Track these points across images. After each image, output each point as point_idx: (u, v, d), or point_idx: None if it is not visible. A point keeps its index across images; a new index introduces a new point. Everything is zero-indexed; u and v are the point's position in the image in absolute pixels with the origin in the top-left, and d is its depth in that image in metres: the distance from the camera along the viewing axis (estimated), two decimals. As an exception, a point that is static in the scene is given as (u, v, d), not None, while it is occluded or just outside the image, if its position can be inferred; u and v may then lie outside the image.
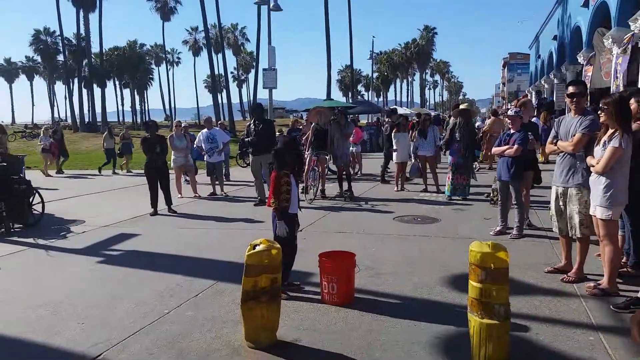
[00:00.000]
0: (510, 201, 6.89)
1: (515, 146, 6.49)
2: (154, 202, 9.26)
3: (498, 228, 6.94)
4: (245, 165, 17.24)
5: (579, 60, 20.47)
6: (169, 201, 9.45)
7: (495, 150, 6.84)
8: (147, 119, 54.54)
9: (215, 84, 47.91)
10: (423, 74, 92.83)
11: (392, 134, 11.62)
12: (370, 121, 37.23)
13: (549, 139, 5.29)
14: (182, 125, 12.07)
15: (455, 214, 8.45)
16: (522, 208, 6.75)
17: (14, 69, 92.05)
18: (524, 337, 3.78)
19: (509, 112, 7.00)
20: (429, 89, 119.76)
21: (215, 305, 4.57)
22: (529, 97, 24.34)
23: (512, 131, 6.70)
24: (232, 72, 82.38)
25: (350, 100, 47.89)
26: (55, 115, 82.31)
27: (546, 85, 30.37)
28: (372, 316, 4.19)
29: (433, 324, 4.02)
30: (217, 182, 11.56)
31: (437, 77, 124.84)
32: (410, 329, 3.94)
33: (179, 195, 11.01)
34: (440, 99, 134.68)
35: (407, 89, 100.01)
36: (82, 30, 46.68)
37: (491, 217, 7.66)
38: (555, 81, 26.37)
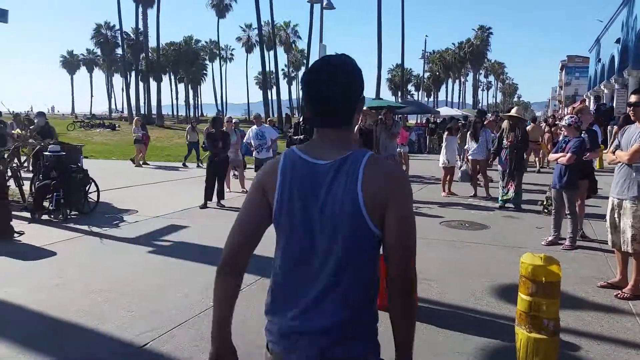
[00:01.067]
0: (563, 210, 6.65)
1: (569, 154, 6.26)
2: (209, 196, 9.51)
3: (550, 238, 6.71)
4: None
5: (644, 65, 19.52)
6: (221, 195, 9.69)
7: (551, 157, 6.63)
8: (198, 114, 55.61)
9: (266, 81, 48.56)
10: (476, 75, 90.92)
11: (444, 137, 11.46)
12: (419, 122, 36.80)
13: (611, 148, 5.08)
14: (233, 121, 12.29)
15: (505, 222, 8.23)
16: (575, 218, 6.50)
17: (76, 61, 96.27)
18: (573, 355, 3.65)
19: (564, 122, 6.75)
20: (482, 90, 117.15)
21: (261, 300, 4.60)
22: (586, 103, 23.44)
23: (569, 137, 6.47)
24: (282, 69, 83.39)
25: (400, 100, 47.48)
26: (113, 106, 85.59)
27: (606, 91, 29.11)
28: (417, 324, 4.13)
29: (479, 334, 3.93)
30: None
31: (491, 78, 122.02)
32: (455, 339, 3.87)
33: (228, 190, 11.23)
34: (494, 101, 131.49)
35: (460, 90, 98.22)
36: (140, 25, 48.20)
37: (543, 227, 7.42)
38: (616, 86, 25.24)
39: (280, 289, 1.70)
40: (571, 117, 6.64)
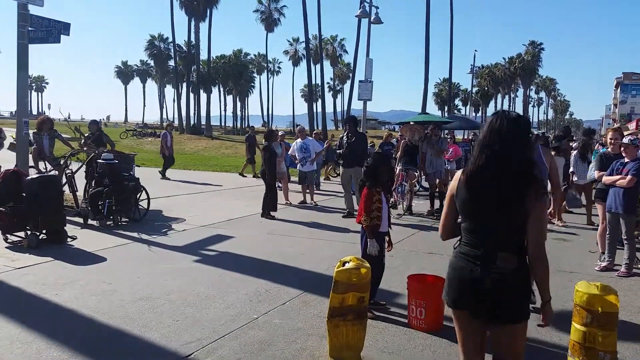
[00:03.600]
0: (620, 235, 6.34)
1: (629, 177, 5.98)
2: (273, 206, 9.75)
3: (604, 264, 6.42)
4: (335, 175, 17.37)
5: None
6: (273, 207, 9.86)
7: (606, 179, 6.34)
8: (245, 125, 56.47)
9: (312, 94, 49.04)
10: (527, 91, 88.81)
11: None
12: (465, 137, 36.15)
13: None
14: (280, 133, 12.44)
15: (557, 244, 7.91)
16: (633, 243, 6.20)
17: (130, 72, 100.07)
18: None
19: (624, 140, 6.46)
20: (533, 106, 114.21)
21: (302, 316, 4.61)
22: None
23: (626, 160, 6.20)
24: (328, 83, 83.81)
25: (446, 115, 46.87)
26: (164, 116, 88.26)
27: (666, 109, 27.82)
28: (460, 346, 4.02)
29: (527, 362, 3.77)
30: (307, 191, 11.76)
31: (542, 95, 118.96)
32: (502, 365, 3.73)
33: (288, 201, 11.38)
34: (545, 117, 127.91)
35: (509, 105, 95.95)
36: (192, 38, 49.73)
37: (596, 251, 7.11)
38: (678, 105, 24.08)
39: None
40: (631, 137, 6.39)
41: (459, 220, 2.57)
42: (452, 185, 2.56)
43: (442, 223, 2.65)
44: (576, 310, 3.15)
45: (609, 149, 6.96)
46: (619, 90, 66.06)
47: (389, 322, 4.51)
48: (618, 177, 6.13)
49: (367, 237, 4.67)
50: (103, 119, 73.04)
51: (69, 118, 11.25)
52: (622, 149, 6.39)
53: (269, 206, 9.71)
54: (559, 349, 3.77)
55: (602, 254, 6.67)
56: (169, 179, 15.57)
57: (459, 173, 2.54)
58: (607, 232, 6.46)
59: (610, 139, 6.97)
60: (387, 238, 4.88)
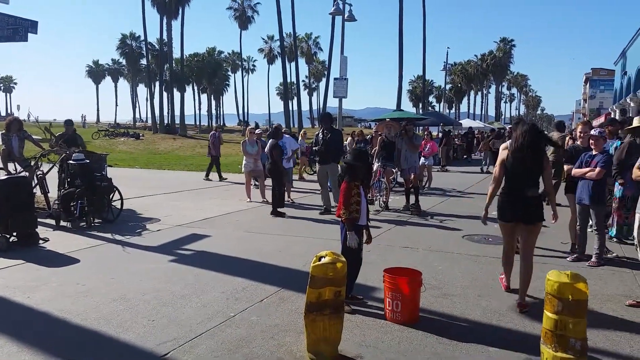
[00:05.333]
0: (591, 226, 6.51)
1: (598, 169, 6.12)
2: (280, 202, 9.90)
3: (575, 255, 6.58)
4: (312, 172, 17.40)
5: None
6: (277, 203, 9.95)
7: (575, 172, 6.48)
8: (220, 124, 56.24)
9: (287, 92, 48.94)
10: (499, 87, 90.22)
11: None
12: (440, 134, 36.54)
13: (637, 164, 4.97)
14: (257, 131, 12.38)
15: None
16: (603, 234, 6.35)
17: (101, 71, 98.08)
18: (601, 375, 3.54)
19: (592, 132, 6.61)
20: (505, 102, 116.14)
21: (279, 312, 4.61)
22: (611, 116, 22.99)
23: (594, 152, 6.34)
24: (303, 80, 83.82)
25: (421, 112, 47.31)
26: (137, 116, 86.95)
27: (632, 104, 28.55)
28: (437, 339, 4.08)
29: (502, 352, 3.85)
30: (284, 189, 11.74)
31: (514, 91, 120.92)
32: (478, 356, 3.79)
33: (248, 199, 11.30)
34: (517, 113, 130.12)
35: (482, 102, 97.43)
36: (164, 36, 49.05)
37: (568, 242, 7.26)
38: (643, 99, 24.75)
39: None
40: (599, 129, 6.56)
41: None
42: (502, 155, 4.96)
43: (496, 177, 4.96)
44: (547, 298, 3.22)
45: (579, 142, 7.12)
46: (588, 85, 67.55)
47: (366, 316, 4.53)
48: (587, 169, 6.27)
49: (346, 230, 4.70)
50: (84, 116, 71.39)
51: (37, 120, 10.96)
52: (590, 141, 6.53)
53: (277, 203, 9.84)
54: (533, 339, 3.84)
55: (573, 245, 6.82)
56: (210, 180, 15.49)
57: (504, 148, 5.13)
58: (578, 224, 6.61)
59: (580, 132, 7.13)
60: (365, 231, 4.92)
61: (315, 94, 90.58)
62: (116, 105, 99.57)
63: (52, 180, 9.24)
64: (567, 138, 10.29)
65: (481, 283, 5.58)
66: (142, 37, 56.00)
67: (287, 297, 5.00)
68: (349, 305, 4.55)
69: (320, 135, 9.95)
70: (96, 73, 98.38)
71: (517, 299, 4.82)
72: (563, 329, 3.14)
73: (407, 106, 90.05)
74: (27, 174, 9.15)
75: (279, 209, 9.79)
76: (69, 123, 11.01)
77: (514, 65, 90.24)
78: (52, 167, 9.51)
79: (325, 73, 53.35)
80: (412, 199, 10.48)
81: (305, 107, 70.75)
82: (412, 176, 10.58)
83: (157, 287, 5.27)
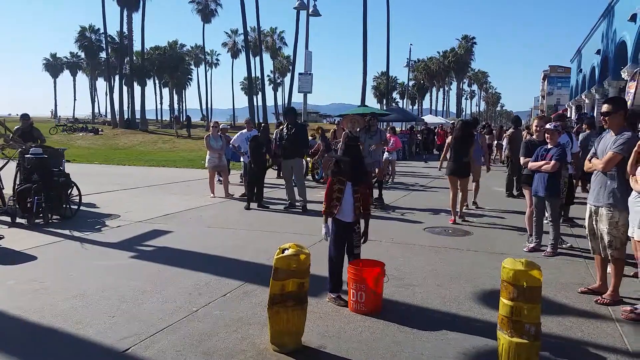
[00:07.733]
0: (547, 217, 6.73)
1: (553, 162, 6.34)
2: (252, 198, 10.03)
3: (532, 245, 6.80)
4: (275, 169, 17.32)
5: (623, 76, 19.85)
6: (261, 197, 10.18)
7: (532, 165, 6.69)
8: (183, 118, 55.50)
9: (252, 87, 48.51)
10: (460, 84, 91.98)
11: None
12: (403, 129, 37.00)
13: (588, 156, 5.16)
14: (220, 127, 12.22)
15: (489, 228, 8.30)
16: (557, 225, 6.59)
17: (59, 64, 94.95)
18: (554, 359, 3.67)
19: (548, 126, 6.84)
20: (466, 98, 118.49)
21: (243, 306, 4.60)
22: (568, 112, 23.79)
23: (549, 146, 6.56)
24: (268, 75, 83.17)
25: (385, 108, 47.74)
26: (96, 110, 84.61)
27: (587, 101, 29.59)
28: (398, 327, 4.15)
29: (461, 339, 3.95)
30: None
31: (475, 87, 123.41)
32: (437, 343, 3.89)
33: (212, 195, 11.18)
34: (477, 109, 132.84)
35: (444, 98, 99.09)
36: (125, 29, 47.86)
37: (525, 234, 7.50)
38: (597, 96, 25.67)
39: None
40: (555, 123, 6.79)
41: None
42: (449, 140, 9.00)
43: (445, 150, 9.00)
44: (503, 286, 3.32)
45: (535, 136, 7.34)
46: (546, 82, 69.29)
47: (329, 308, 4.58)
48: (542, 162, 6.48)
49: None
50: (52, 111, 68.89)
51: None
52: (546, 135, 6.75)
53: (255, 198, 10.01)
54: (490, 325, 3.96)
55: (529, 235, 7.05)
56: None
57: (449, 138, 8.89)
58: (534, 215, 6.83)
59: (536, 126, 7.35)
60: (356, 229, 4.93)
61: (280, 89, 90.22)
62: (74, 99, 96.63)
63: (7, 176, 8.93)
64: (523, 132, 10.70)
65: (441, 273, 5.71)
66: (102, 30, 54.45)
67: (251, 291, 5.00)
68: (341, 298, 4.71)
69: (285, 130, 9.92)
70: (54, 66, 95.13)
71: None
72: (518, 315, 3.25)
73: (372, 102, 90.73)
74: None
75: (251, 204, 9.97)
76: (25, 117, 10.64)
77: (475, 63, 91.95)
78: (7, 162, 9.19)
79: (290, 68, 53.14)
80: (376, 192, 10.59)
81: (270, 102, 70.49)
82: (377, 170, 10.68)
83: (117, 284, 5.18)
